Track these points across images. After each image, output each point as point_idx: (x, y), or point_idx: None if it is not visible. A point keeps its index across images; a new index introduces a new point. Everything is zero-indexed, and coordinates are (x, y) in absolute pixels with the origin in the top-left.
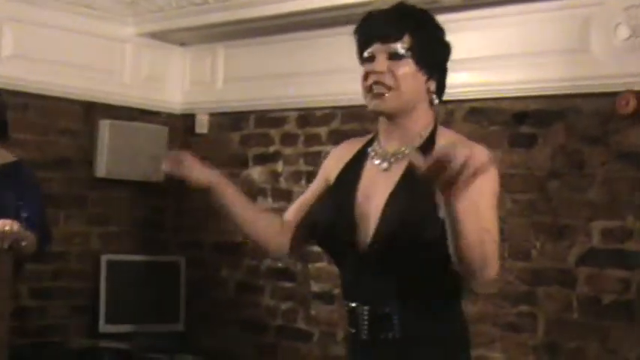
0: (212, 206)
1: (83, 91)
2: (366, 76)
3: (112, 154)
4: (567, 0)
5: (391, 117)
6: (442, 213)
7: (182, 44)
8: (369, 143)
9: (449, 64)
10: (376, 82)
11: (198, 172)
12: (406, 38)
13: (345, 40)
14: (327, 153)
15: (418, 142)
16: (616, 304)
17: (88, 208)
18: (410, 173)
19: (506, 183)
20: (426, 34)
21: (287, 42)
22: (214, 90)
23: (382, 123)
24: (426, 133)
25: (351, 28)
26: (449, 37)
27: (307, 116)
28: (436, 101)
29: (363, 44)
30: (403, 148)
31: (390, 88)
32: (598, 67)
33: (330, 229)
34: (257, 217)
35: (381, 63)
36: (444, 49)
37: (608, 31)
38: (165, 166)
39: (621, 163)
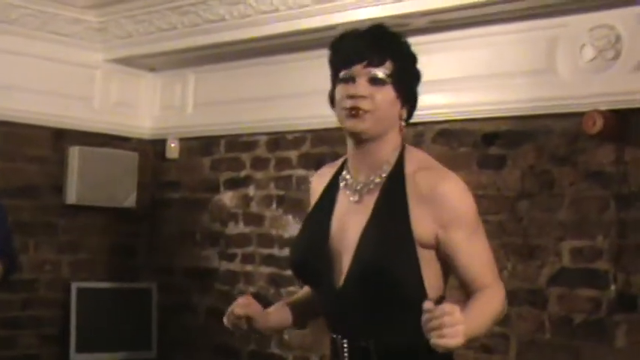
0: (183, 232)
1: (52, 118)
2: (344, 98)
3: (82, 180)
4: (533, 22)
5: (362, 141)
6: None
7: (151, 70)
8: (340, 170)
9: (422, 85)
10: (354, 107)
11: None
12: (388, 64)
13: (314, 64)
14: (299, 179)
15: (386, 169)
16: (587, 324)
17: (58, 236)
18: (381, 206)
19: (476, 204)
20: (405, 62)
21: (256, 66)
22: (184, 115)
23: (350, 149)
24: (393, 158)
25: (320, 52)
26: (418, 60)
27: (278, 140)
28: (403, 128)
29: (341, 64)
30: (372, 178)
31: (367, 112)
32: (564, 87)
33: (305, 266)
34: (306, 310)
35: (363, 87)
36: (418, 77)
37: (574, 52)
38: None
39: (589, 182)
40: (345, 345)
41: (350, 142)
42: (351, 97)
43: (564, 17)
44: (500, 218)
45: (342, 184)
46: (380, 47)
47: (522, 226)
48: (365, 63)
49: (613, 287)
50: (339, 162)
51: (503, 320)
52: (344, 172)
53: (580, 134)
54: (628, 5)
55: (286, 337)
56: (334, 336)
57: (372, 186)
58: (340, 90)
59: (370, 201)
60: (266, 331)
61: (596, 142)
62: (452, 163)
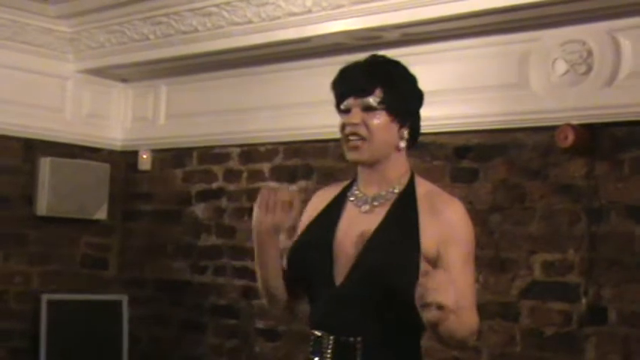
0: (154, 244)
1: (23, 128)
2: (343, 127)
3: (52, 191)
4: (506, 36)
5: (370, 164)
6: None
7: (123, 80)
8: (348, 188)
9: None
10: (352, 133)
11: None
12: (377, 92)
13: (287, 76)
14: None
15: (398, 187)
16: (558, 336)
17: (28, 247)
18: (393, 216)
19: None
20: (397, 86)
21: (229, 78)
22: (157, 126)
23: (361, 170)
24: (405, 180)
25: (293, 64)
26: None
27: (250, 152)
28: (402, 145)
29: (339, 97)
30: (384, 193)
31: (364, 139)
32: (537, 101)
33: (308, 259)
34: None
35: (356, 115)
36: (415, 98)
37: (546, 66)
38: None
39: (561, 196)
40: (332, 341)
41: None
42: (348, 125)
43: (536, 32)
44: None
45: (350, 198)
46: (368, 77)
47: (494, 240)
48: (356, 94)
49: (584, 300)
50: (346, 182)
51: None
52: (353, 189)
53: (552, 148)
54: (599, 20)
55: (257, 349)
56: (319, 334)
57: (383, 200)
58: (341, 120)
59: (381, 211)
60: (273, 245)
61: (568, 156)
62: (424, 176)
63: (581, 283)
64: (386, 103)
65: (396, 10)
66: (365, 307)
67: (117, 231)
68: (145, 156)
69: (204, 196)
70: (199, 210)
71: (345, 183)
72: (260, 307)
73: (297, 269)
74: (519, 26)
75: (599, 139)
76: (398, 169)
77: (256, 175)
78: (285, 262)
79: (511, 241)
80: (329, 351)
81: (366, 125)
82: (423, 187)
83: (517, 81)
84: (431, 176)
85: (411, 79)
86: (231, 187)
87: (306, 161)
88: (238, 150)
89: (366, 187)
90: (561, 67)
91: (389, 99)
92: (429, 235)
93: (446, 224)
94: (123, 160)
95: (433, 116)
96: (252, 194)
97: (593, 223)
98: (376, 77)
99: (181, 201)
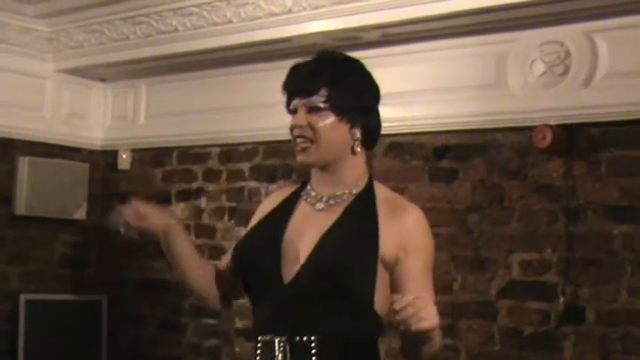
0: (134, 244)
1: (2, 128)
2: (291, 130)
3: (31, 191)
4: (484, 36)
5: (322, 167)
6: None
7: (103, 80)
8: (301, 189)
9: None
10: (298, 136)
11: (156, 221)
12: (323, 91)
13: (267, 76)
14: (251, 191)
15: (355, 189)
16: (536, 335)
17: (7, 247)
18: (350, 214)
19: (427, 217)
20: (345, 83)
21: (209, 78)
22: (136, 126)
23: (314, 171)
24: (362, 182)
25: (273, 64)
26: (367, 69)
27: (230, 152)
28: (357, 149)
29: (287, 98)
30: (339, 193)
31: (311, 141)
32: (515, 102)
33: (254, 258)
34: (199, 267)
35: (301, 117)
36: (368, 94)
37: (524, 67)
38: (122, 225)
39: (539, 195)
40: (282, 343)
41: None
42: (295, 127)
43: (514, 32)
44: (450, 231)
45: (304, 197)
46: (313, 77)
47: (472, 239)
48: (301, 95)
49: (561, 299)
50: (299, 184)
51: (453, 332)
52: (307, 188)
53: (530, 148)
54: (577, 22)
55: (237, 349)
56: (267, 338)
57: (339, 200)
58: (290, 121)
59: (337, 210)
60: (169, 247)
61: (546, 157)
62: (403, 176)
63: (559, 283)
64: (331, 102)
65: (375, 11)
66: (318, 305)
67: (96, 231)
68: (124, 156)
69: (184, 195)
70: (179, 210)
71: (298, 185)
72: (240, 306)
73: (241, 270)
74: (497, 27)
75: (577, 140)
76: (353, 171)
77: (236, 175)
78: (226, 260)
79: (490, 240)
80: (279, 354)
81: (312, 127)
82: (382, 191)
83: (495, 81)
84: (409, 176)
85: (362, 75)
86: (211, 186)
87: (285, 161)
88: (218, 150)
89: (320, 187)
90: (539, 67)
91: (335, 98)
92: (388, 240)
93: (406, 231)
94: (102, 160)
95: (412, 116)
96: (231, 194)
97: (570, 223)
98: (321, 76)
99: (161, 200)
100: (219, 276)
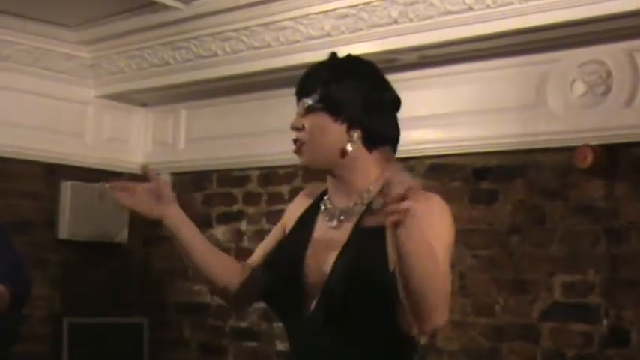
0: (175, 267)
1: (44, 153)
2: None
3: (74, 215)
4: (524, 57)
5: (328, 172)
6: (393, 255)
7: (143, 105)
8: (324, 194)
9: (410, 122)
10: (295, 139)
11: (147, 203)
12: (318, 91)
13: None
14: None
15: (367, 197)
16: (579, 358)
17: (50, 270)
18: (358, 233)
19: (468, 239)
20: (342, 82)
21: (248, 101)
22: (176, 150)
23: (328, 180)
24: (375, 188)
25: None
26: (407, 95)
27: (269, 175)
28: (349, 148)
29: (296, 101)
30: (352, 205)
31: (302, 143)
32: (555, 122)
33: (279, 288)
34: (216, 256)
35: (296, 119)
36: (371, 94)
37: (564, 87)
38: (99, 193)
39: (580, 216)
40: None
41: None
42: (291, 129)
43: (554, 53)
44: (491, 253)
45: (322, 209)
46: (311, 77)
47: (514, 261)
48: (300, 95)
49: (605, 322)
50: (324, 187)
51: (496, 355)
52: (325, 198)
53: (571, 169)
54: (618, 41)
55: None
56: None
57: (350, 214)
58: None
59: (348, 227)
60: (172, 234)
61: (587, 177)
62: (444, 198)
63: (602, 305)
64: (325, 101)
65: (413, 33)
66: (341, 333)
67: (137, 254)
68: (165, 179)
69: (224, 218)
70: (219, 233)
71: (323, 188)
72: (280, 329)
73: (267, 298)
74: (537, 47)
75: (618, 160)
76: (365, 177)
77: (276, 198)
78: (251, 263)
79: (531, 262)
80: None
81: (304, 128)
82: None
83: (535, 102)
84: (449, 198)
85: (367, 74)
86: (251, 209)
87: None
88: (257, 173)
89: (336, 197)
90: (580, 87)
91: (330, 97)
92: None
93: (413, 221)
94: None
95: (452, 138)
96: (271, 217)
97: (613, 244)
98: (319, 76)
99: (201, 224)
100: (240, 274)
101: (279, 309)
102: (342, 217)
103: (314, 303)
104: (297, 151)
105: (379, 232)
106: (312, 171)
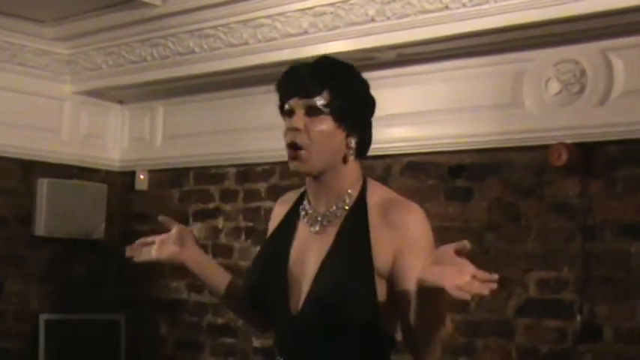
0: (152, 264)
1: (21, 150)
2: (285, 133)
3: (50, 212)
4: (498, 56)
5: (314, 176)
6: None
7: (120, 102)
8: (301, 199)
9: (387, 120)
10: (291, 143)
11: (166, 252)
12: (325, 94)
13: None
14: (268, 211)
15: (349, 200)
16: (553, 354)
17: (26, 267)
18: (342, 237)
19: (443, 236)
20: (347, 90)
21: (225, 99)
22: (153, 147)
23: (308, 182)
24: (355, 190)
25: None
26: (384, 93)
27: (246, 172)
28: (351, 157)
29: (283, 97)
30: (333, 208)
31: (304, 148)
32: (530, 120)
33: (261, 292)
34: (238, 290)
35: (299, 119)
36: (366, 105)
37: (539, 86)
38: (132, 253)
39: (555, 214)
40: None
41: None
42: (290, 130)
43: (530, 52)
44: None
45: (302, 214)
46: (316, 78)
47: (489, 258)
48: (301, 94)
49: (578, 318)
50: (301, 190)
51: (470, 351)
52: (304, 202)
53: (546, 167)
54: (592, 41)
55: None
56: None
57: (332, 217)
58: (284, 125)
59: (332, 231)
60: (197, 276)
61: (562, 175)
62: (419, 196)
63: (576, 301)
64: (332, 107)
65: (390, 32)
66: (325, 335)
67: (114, 251)
68: (142, 176)
69: (201, 215)
70: (196, 230)
71: (301, 191)
72: None
73: (252, 297)
74: (513, 46)
75: (593, 158)
76: (347, 179)
77: (253, 195)
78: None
79: (506, 259)
80: None
81: (309, 132)
82: (376, 194)
83: (511, 101)
84: (425, 195)
85: (363, 85)
86: (228, 207)
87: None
88: (235, 170)
89: (316, 201)
90: (554, 86)
91: (336, 103)
92: (383, 250)
93: (401, 233)
94: (120, 181)
95: (428, 136)
96: (248, 214)
97: (587, 241)
98: (325, 79)
99: (178, 221)
100: None
101: (265, 309)
102: (324, 222)
103: (297, 310)
104: (295, 157)
105: (364, 237)
106: (304, 175)
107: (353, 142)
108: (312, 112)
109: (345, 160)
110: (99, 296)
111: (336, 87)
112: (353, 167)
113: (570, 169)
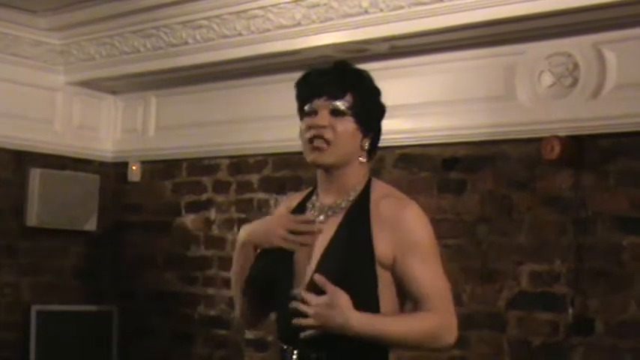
0: (144, 255)
1: (13, 140)
2: (307, 129)
3: (43, 202)
4: (492, 48)
5: (329, 170)
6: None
7: (113, 92)
8: (309, 197)
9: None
10: (316, 136)
11: None
12: (348, 97)
13: (276, 88)
14: (261, 202)
15: (354, 195)
16: (545, 346)
17: (18, 258)
18: (345, 226)
19: (436, 228)
20: (366, 95)
21: (218, 90)
22: (146, 138)
23: (320, 175)
24: (360, 186)
25: (282, 76)
26: (377, 85)
27: (239, 164)
28: (362, 160)
29: (304, 99)
30: (339, 201)
31: (329, 143)
32: (523, 113)
33: (270, 281)
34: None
35: (324, 117)
36: (381, 110)
37: (533, 78)
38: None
39: (548, 207)
40: (295, 356)
41: (319, 170)
42: (314, 127)
43: (523, 44)
44: (459, 242)
45: (309, 207)
46: (341, 81)
47: (481, 250)
48: (326, 96)
49: (570, 311)
50: (307, 191)
51: (463, 343)
52: (313, 198)
53: (538, 160)
54: (585, 33)
55: None
56: (284, 347)
57: (337, 209)
58: (304, 123)
59: (335, 222)
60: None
61: (555, 168)
62: (412, 188)
63: (568, 294)
64: (354, 109)
65: (384, 23)
66: None
67: (107, 242)
68: (134, 167)
69: (194, 207)
70: (189, 221)
71: (307, 191)
72: None
73: (258, 282)
74: (506, 39)
75: (586, 151)
76: (356, 177)
77: (245, 187)
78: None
79: (498, 251)
80: None
81: (333, 129)
82: (378, 191)
83: (504, 93)
84: (418, 188)
85: (378, 92)
86: (221, 198)
87: (295, 172)
88: (227, 161)
89: (325, 195)
90: (547, 79)
91: (358, 106)
92: (383, 242)
93: (401, 231)
94: (113, 172)
95: (421, 128)
96: (241, 205)
97: (579, 234)
98: (348, 82)
99: (171, 212)
100: None
101: (270, 297)
102: (329, 213)
103: (300, 295)
104: (321, 148)
105: (365, 228)
106: (321, 167)
107: (367, 144)
108: (336, 112)
109: (360, 161)
110: (91, 287)
111: (357, 91)
112: (363, 166)
113: (563, 162)
